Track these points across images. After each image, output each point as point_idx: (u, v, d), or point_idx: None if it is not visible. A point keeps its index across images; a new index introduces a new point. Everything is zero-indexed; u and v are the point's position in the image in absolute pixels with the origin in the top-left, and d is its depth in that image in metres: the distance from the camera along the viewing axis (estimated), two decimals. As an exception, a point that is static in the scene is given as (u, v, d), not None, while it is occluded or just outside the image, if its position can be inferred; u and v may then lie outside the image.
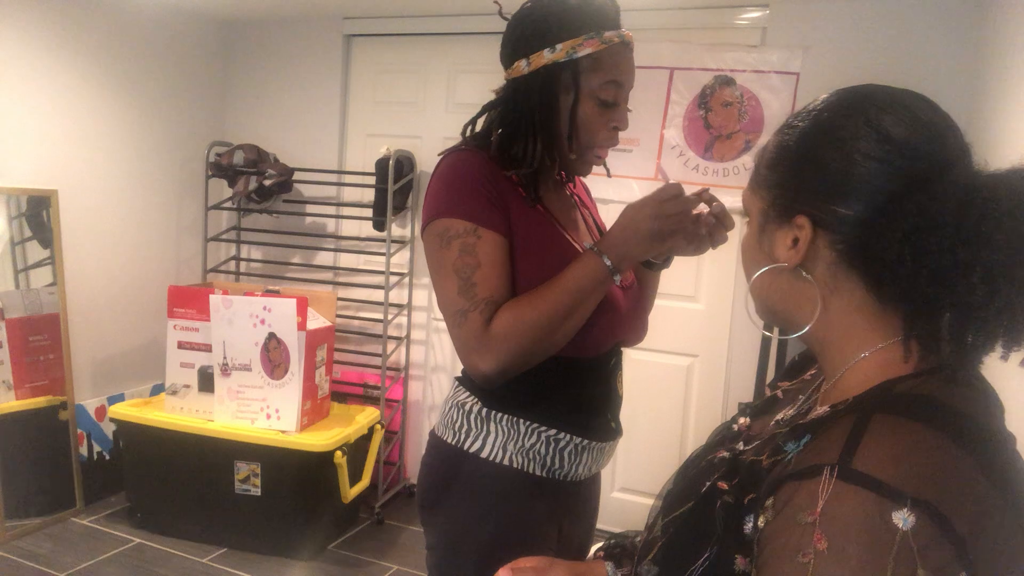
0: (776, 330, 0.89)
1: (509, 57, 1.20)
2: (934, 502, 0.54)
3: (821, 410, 0.66)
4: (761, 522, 0.62)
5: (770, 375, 2.62)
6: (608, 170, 1.29)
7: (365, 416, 3.03)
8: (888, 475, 0.55)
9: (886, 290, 0.66)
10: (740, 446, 0.76)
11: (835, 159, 0.66)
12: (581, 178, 1.40)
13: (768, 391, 0.88)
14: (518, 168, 1.17)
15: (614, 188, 2.87)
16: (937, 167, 0.63)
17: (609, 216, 1.21)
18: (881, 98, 0.67)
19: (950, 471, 0.57)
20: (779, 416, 0.79)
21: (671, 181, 1.11)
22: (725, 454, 0.75)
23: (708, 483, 0.70)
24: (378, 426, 3.05)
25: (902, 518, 0.53)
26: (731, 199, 2.81)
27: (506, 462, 1.18)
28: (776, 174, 0.72)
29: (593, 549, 0.97)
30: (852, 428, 0.59)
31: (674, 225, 1.08)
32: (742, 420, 0.84)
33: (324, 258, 3.57)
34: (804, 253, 0.69)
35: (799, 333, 0.72)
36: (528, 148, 1.17)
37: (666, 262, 1.34)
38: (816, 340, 0.72)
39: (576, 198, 1.35)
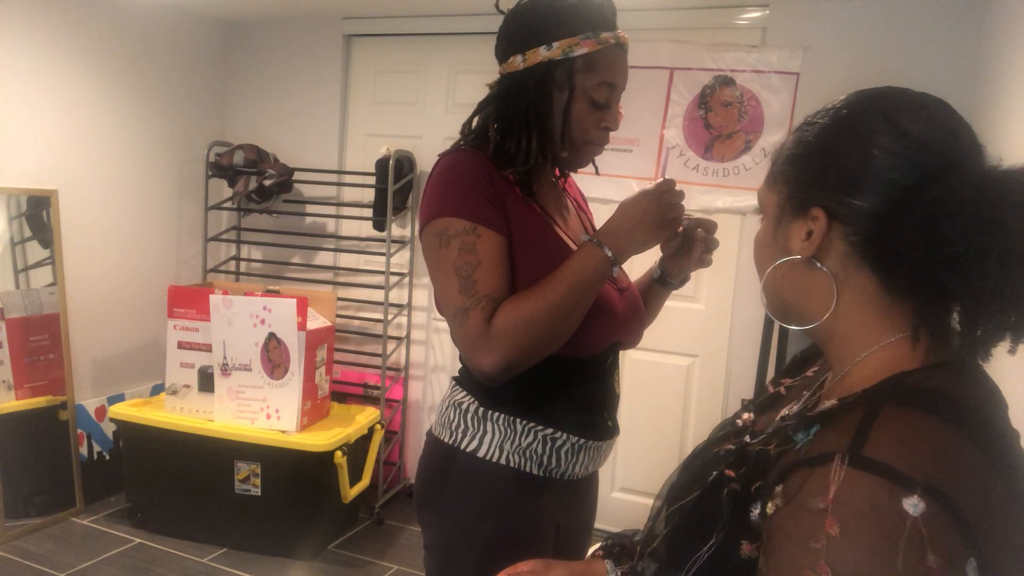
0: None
1: (504, 52, 1.20)
2: (944, 489, 0.55)
3: (829, 403, 0.67)
4: (770, 508, 0.62)
5: (770, 375, 2.62)
6: (596, 168, 1.29)
7: (365, 416, 3.03)
8: (899, 462, 0.56)
9: (897, 282, 0.67)
10: (747, 439, 0.76)
11: (853, 153, 0.68)
12: (575, 183, 1.41)
13: (771, 388, 0.89)
14: (513, 166, 1.17)
15: (614, 188, 2.87)
16: (952, 162, 0.64)
17: (606, 216, 1.21)
18: (899, 97, 0.69)
19: (959, 460, 0.58)
20: (784, 411, 0.80)
21: (666, 178, 1.15)
22: (731, 446, 0.75)
23: (715, 472, 0.71)
24: (378, 426, 3.05)
25: (912, 504, 0.54)
26: (731, 199, 2.83)
27: (503, 461, 1.18)
28: (794, 168, 0.73)
29: (592, 549, 0.97)
30: (863, 418, 0.60)
31: (674, 214, 1.15)
32: (746, 415, 0.85)
33: (324, 258, 3.57)
34: (818, 244, 0.70)
35: (812, 326, 0.73)
36: (522, 144, 1.17)
37: (682, 281, 1.34)
38: (825, 334, 0.73)
39: (571, 199, 1.35)
